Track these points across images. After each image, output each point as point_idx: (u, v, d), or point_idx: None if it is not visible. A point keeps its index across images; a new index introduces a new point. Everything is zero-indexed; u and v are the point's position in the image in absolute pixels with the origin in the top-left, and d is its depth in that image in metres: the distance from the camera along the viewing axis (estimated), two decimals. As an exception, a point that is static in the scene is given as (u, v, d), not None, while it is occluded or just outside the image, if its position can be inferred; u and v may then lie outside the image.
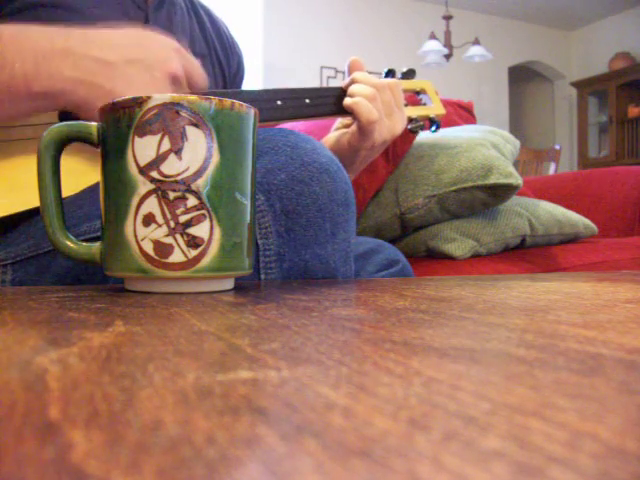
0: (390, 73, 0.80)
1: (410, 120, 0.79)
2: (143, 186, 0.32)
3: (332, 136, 0.73)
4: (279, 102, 0.65)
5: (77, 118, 0.51)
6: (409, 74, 0.81)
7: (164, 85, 0.50)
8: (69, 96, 0.47)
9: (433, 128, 0.82)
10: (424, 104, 0.82)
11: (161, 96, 0.32)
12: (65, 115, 0.53)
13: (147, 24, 0.64)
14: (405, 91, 0.78)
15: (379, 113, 0.67)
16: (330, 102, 0.69)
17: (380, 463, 0.09)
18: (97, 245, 0.36)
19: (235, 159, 0.34)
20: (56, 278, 0.46)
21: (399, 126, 0.70)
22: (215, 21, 0.80)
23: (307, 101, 0.68)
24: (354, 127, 0.68)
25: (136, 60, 0.49)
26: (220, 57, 0.78)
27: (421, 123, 0.79)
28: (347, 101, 0.68)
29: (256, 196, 0.43)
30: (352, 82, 0.69)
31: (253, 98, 0.64)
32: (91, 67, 0.47)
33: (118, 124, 0.33)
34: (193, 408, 0.11)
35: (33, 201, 0.48)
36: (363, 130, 0.67)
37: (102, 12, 0.59)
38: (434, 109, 0.81)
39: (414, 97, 0.84)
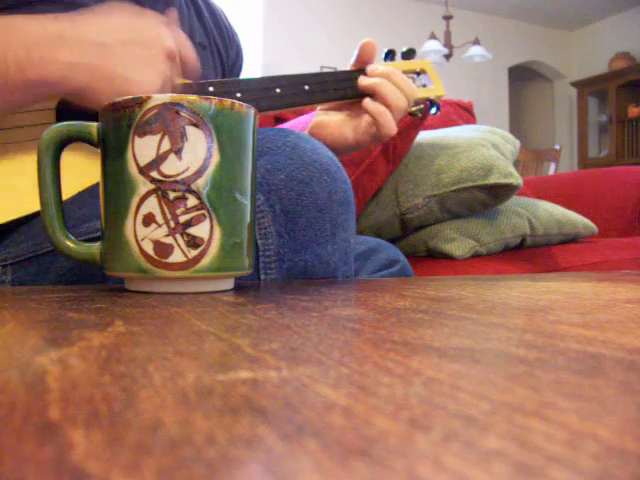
0: (390, 54, 0.78)
1: None
2: (143, 186, 0.32)
3: (320, 120, 0.71)
4: (278, 90, 0.65)
5: (75, 115, 0.51)
6: (409, 54, 0.79)
7: (161, 62, 0.50)
8: (69, 82, 0.47)
9: (433, 110, 0.80)
10: (424, 85, 0.80)
11: (161, 96, 0.32)
12: (63, 111, 0.53)
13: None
14: (405, 72, 0.76)
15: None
16: (331, 88, 0.68)
17: (380, 463, 0.09)
18: (97, 245, 0.36)
19: (235, 159, 0.34)
20: (56, 278, 0.46)
21: (394, 130, 0.69)
22: (213, 10, 0.79)
23: (306, 87, 0.67)
24: (365, 124, 0.67)
25: (131, 41, 0.49)
26: (219, 47, 0.77)
27: (421, 106, 0.77)
28: (375, 108, 0.66)
29: (256, 196, 0.43)
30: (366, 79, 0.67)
31: (252, 87, 0.64)
32: (88, 50, 0.47)
33: (118, 124, 0.33)
34: (193, 408, 0.11)
35: (32, 206, 0.48)
36: (376, 137, 0.66)
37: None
38: (434, 90, 0.79)
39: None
